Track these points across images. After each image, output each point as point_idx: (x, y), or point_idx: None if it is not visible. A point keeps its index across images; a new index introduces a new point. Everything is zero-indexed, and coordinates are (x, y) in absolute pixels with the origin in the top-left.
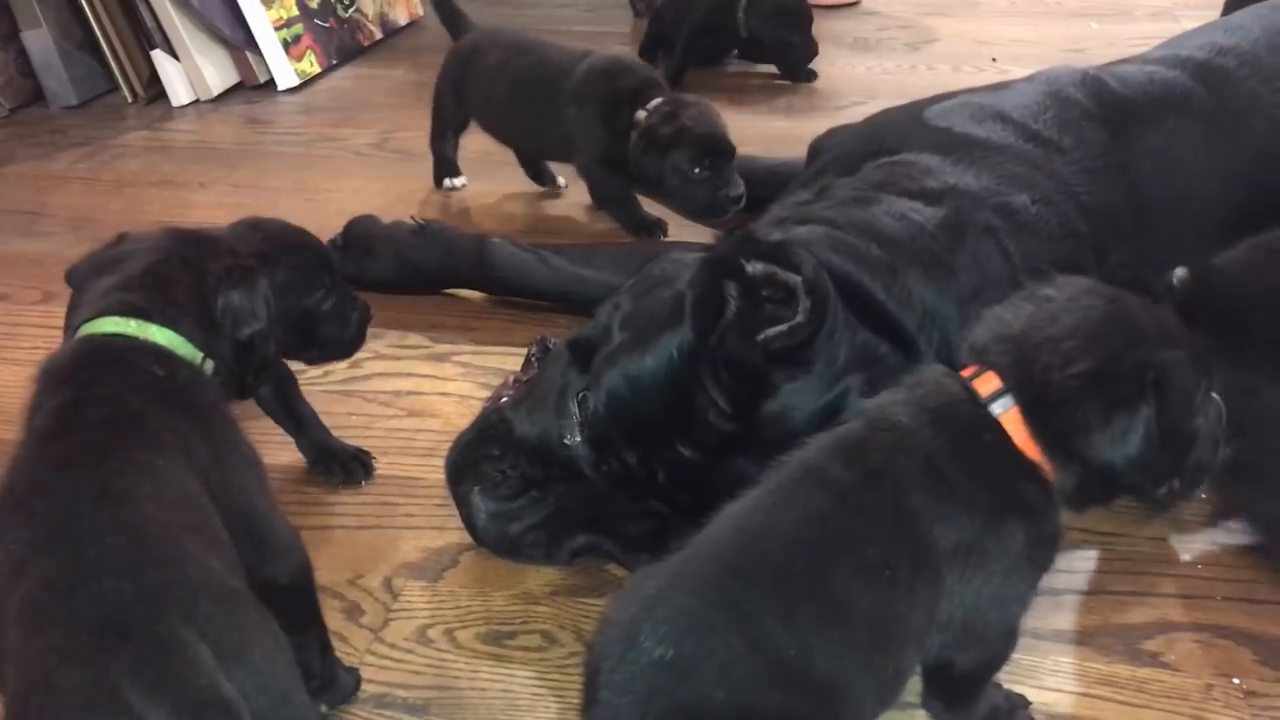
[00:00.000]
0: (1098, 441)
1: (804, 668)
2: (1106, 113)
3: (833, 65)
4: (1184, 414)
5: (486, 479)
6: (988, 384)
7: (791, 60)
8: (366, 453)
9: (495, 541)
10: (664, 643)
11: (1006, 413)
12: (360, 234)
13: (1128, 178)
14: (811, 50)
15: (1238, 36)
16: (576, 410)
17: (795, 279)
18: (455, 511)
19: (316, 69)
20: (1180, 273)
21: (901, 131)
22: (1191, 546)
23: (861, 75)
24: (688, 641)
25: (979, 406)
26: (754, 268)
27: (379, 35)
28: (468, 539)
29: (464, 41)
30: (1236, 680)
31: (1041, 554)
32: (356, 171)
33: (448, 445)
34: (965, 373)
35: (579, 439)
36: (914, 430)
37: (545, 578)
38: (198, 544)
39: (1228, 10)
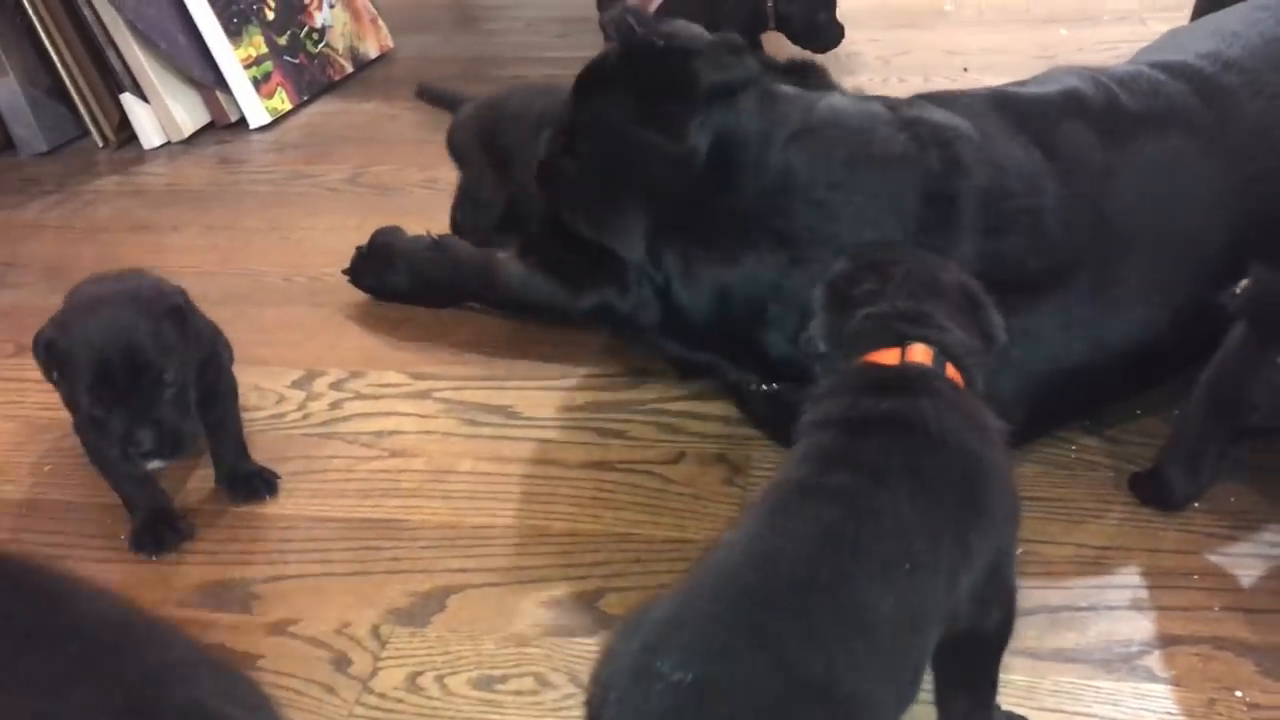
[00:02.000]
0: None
1: (830, 682)
2: (1112, 123)
3: None
4: None
5: None
6: (921, 354)
7: (822, 40)
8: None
9: None
10: (682, 667)
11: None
12: (382, 245)
13: (1114, 193)
14: (838, 31)
15: (1239, 47)
16: None
17: None
18: (442, 553)
19: (288, 105)
20: (1244, 283)
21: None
22: (1187, 558)
23: None
24: (710, 665)
25: (933, 375)
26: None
27: (350, 69)
28: (455, 582)
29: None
30: (1239, 693)
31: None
32: (330, 208)
33: (432, 486)
34: (883, 356)
35: None
36: (888, 419)
37: (536, 619)
38: None
39: (1198, 10)
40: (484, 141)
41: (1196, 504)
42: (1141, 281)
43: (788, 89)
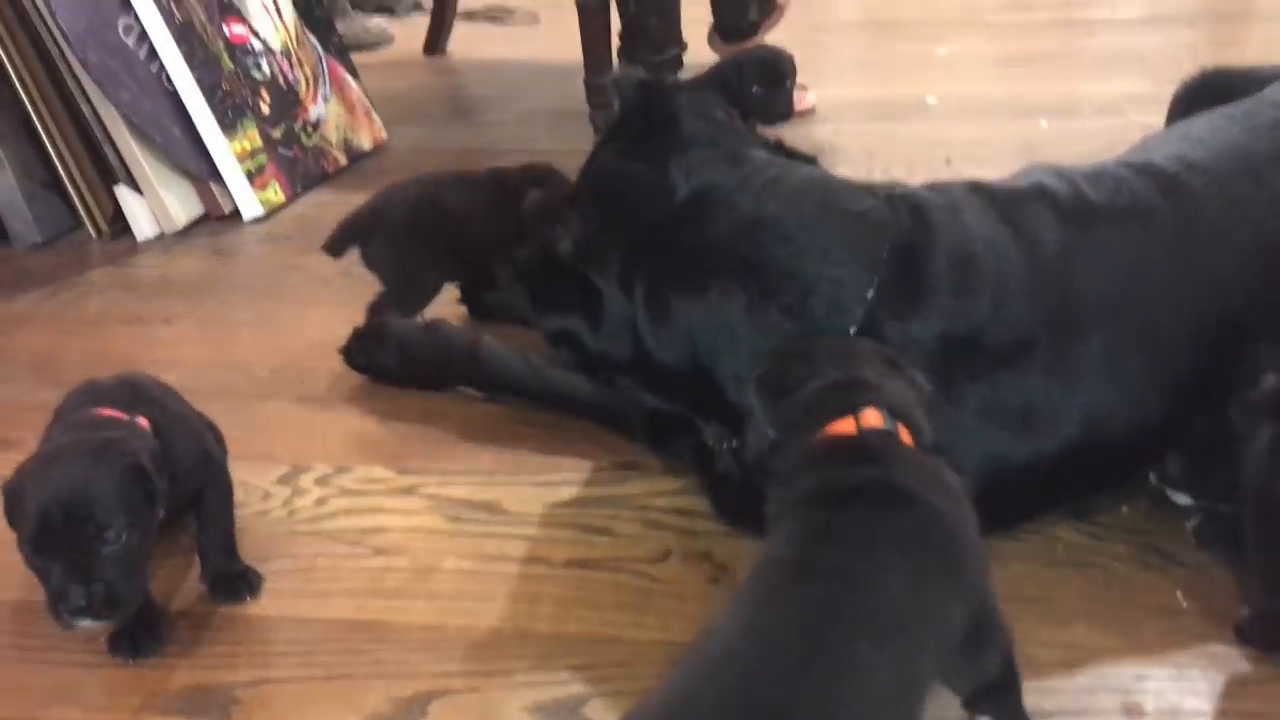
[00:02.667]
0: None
1: None
2: (1073, 213)
3: None
4: None
5: None
6: (873, 419)
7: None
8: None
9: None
10: None
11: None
12: (376, 325)
13: (1075, 272)
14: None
15: (1202, 151)
16: None
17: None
18: (425, 656)
19: (281, 198)
20: (1271, 378)
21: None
22: (1179, 655)
23: None
24: None
25: (892, 438)
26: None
27: (344, 162)
28: (438, 686)
29: None
30: None
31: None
32: (321, 299)
33: (416, 585)
34: (839, 427)
35: None
36: (864, 491)
37: None
38: None
39: (1174, 110)
40: (418, 222)
41: (1182, 597)
42: (1099, 361)
43: (767, 151)
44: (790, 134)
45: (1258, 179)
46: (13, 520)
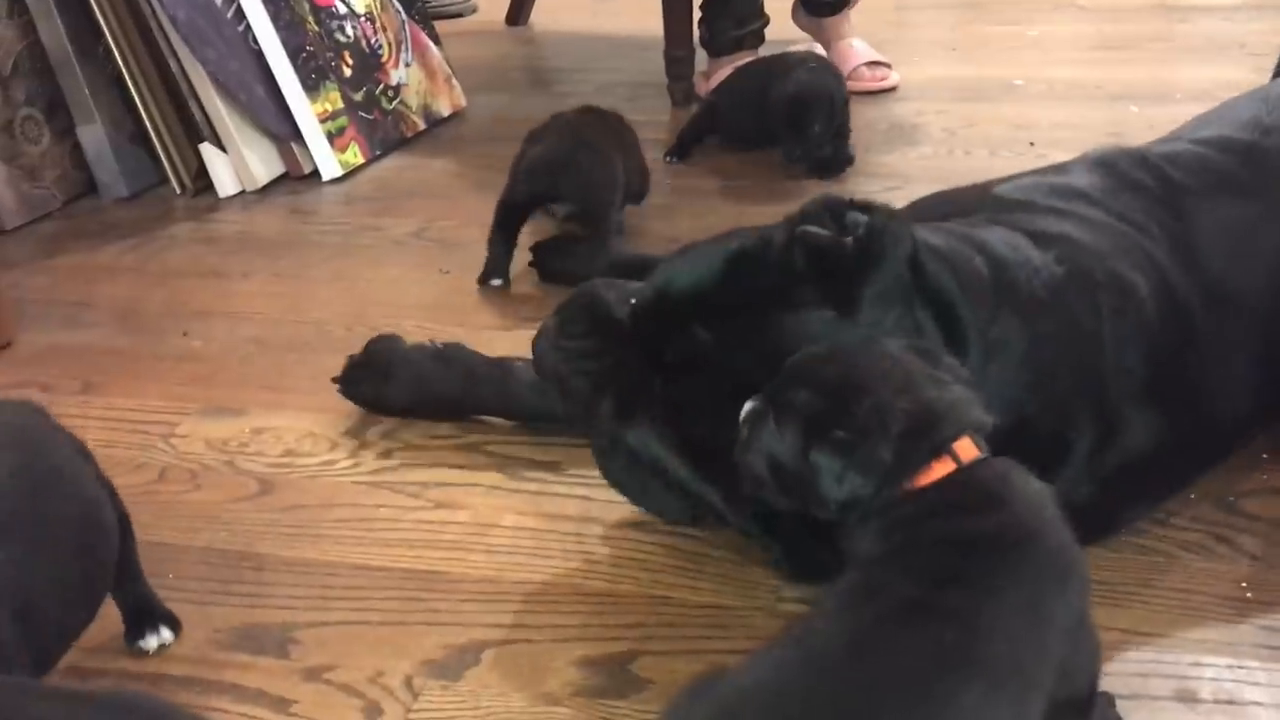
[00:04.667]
0: None
1: None
2: (1168, 197)
3: (867, 150)
4: None
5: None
6: (969, 450)
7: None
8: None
9: (546, 366)
10: None
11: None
12: (379, 355)
13: (1201, 268)
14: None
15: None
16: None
17: (863, 218)
18: (479, 607)
19: (360, 160)
20: None
21: (976, 204)
22: (1236, 649)
23: (896, 161)
24: None
25: (991, 467)
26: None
27: (422, 126)
28: (491, 636)
29: None
30: None
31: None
32: (395, 260)
33: (474, 539)
34: (939, 469)
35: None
36: (994, 537)
37: (567, 678)
38: None
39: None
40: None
41: (1247, 588)
42: (1226, 346)
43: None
44: (871, 113)
45: None
46: None
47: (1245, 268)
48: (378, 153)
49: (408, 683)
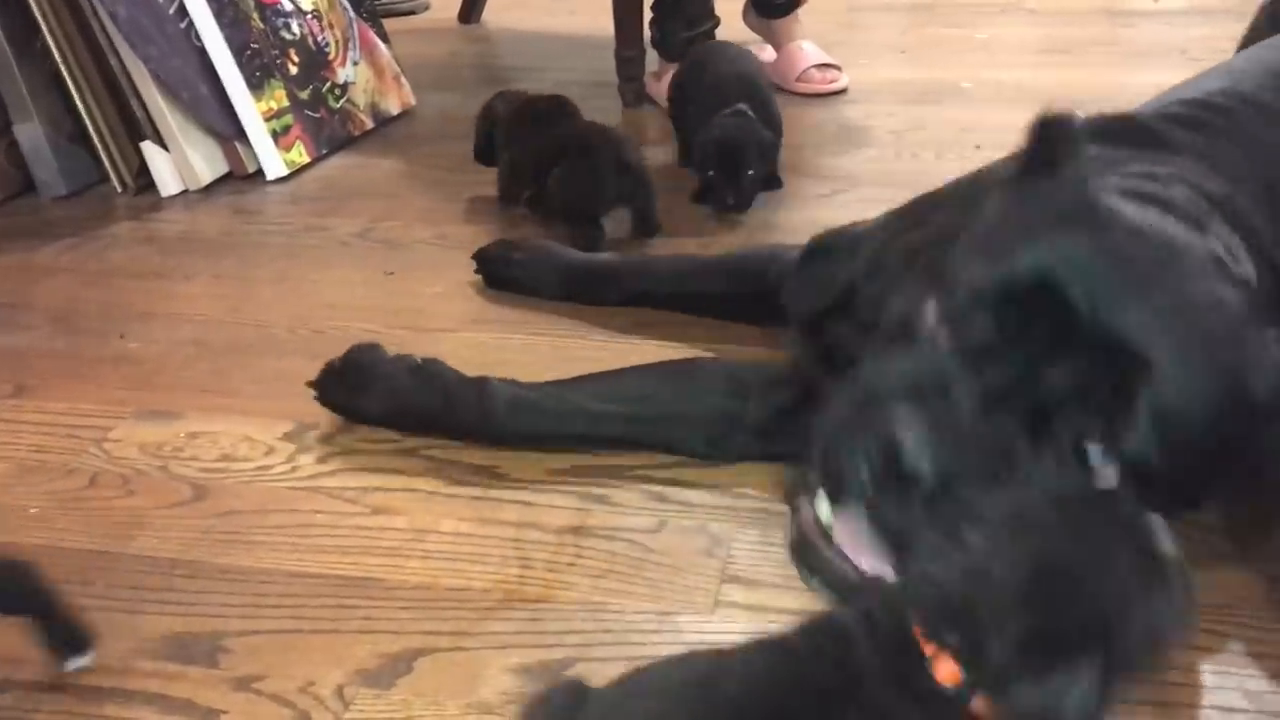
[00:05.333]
0: None
1: None
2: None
3: (817, 153)
4: None
5: None
6: (948, 670)
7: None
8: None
9: None
10: None
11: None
12: (355, 364)
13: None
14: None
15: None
16: None
17: None
18: (414, 614)
19: (306, 159)
20: None
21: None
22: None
23: (844, 163)
24: None
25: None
26: None
27: (370, 125)
28: (424, 644)
29: None
30: None
31: None
32: (340, 261)
33: (411, 545)
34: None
35: None
36: None
37: (502, 686)
38: None
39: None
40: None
41: None
42: None
43: None
44: (820, 115)
45: None
46: None
47: None
48: (324, 151)
49: (339, 692)
